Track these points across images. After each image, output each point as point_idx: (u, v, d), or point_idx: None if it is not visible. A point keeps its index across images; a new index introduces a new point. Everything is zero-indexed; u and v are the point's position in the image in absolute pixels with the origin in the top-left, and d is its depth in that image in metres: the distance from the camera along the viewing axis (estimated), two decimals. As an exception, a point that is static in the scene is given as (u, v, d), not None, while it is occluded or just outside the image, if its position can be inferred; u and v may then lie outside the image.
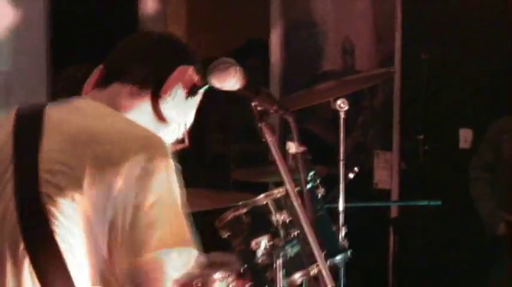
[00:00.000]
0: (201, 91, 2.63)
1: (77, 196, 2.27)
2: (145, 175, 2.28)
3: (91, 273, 2.31)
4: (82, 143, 2.36)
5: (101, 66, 2.62)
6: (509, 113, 6.53)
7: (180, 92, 2.58)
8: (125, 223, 2.25)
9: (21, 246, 2.26)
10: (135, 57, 2.62)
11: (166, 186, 2.31)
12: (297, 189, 2.92)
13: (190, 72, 2.57)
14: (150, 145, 2.36)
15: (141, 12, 7.52)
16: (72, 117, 2.47)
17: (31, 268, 2.25)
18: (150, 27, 7.49)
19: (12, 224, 2.30)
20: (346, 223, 4.37)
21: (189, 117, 2.66)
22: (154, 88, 2.54)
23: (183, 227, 2.32)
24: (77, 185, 2.27)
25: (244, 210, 3.99)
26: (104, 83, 2.55)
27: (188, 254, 2.35)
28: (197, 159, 6.69)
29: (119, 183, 2.26)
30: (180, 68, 2.53)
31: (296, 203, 2.84)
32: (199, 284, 3.93)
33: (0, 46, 6.10)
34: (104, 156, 2.31)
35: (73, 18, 6.29)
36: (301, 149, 3.57)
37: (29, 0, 6.28)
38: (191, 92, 2.61)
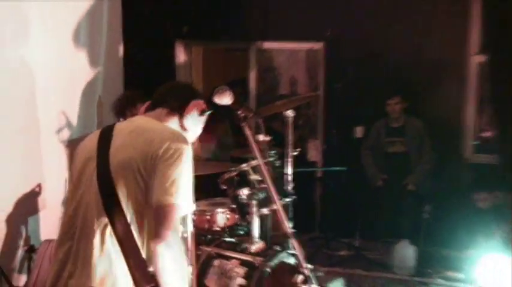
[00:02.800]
0: (206, 114, 2.76)
1: (133, 169, 2.39)
2: (175, 153, 2.40)
3: (139, 218, 2.40)
4: (135, 134, 2.50)
5: (148, 102, 2.76)
6: (383, 116, 6.69)
7: (194, 114, 2.72)
8: (161, 179, 2.36)
9: (105, 218, 2.37)
10: (169, 94, 2.74)
11: (186, 161, 2.43)
12: (265, 161, 3.30)
13: (200, 103, 2.74)
14: (178, 137, 2.50)
15: (177, 62, 7.52)
16: (132, 124, 2.63)
17: (111, 230, 2.37)
18: (181, 71, 7.56)
19: (97, 200, 2.41)
20: (293, 180, 4.36)
21: (199, 129, 2.80)
22: (180, 112, 2.70)
23: (188, 188, 2.43)
24: (133, 162, 2.40)
25: (235, 173, 4.06)
26: (151, 108, 2.71)
27: (187, 203, 2.43)
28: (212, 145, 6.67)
29: (159, 157, 2.39)
30: (194, 101, 2.72)
31: (263, 169, 2.94)
32: (208, 216, 4.22)
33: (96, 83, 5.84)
34: (149, 140, 2.44)
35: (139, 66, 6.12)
36: (267, 138, 3.95)
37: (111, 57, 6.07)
38: (201, 113, 2.74)
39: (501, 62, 6.08)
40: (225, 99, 2.78)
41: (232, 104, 2.79)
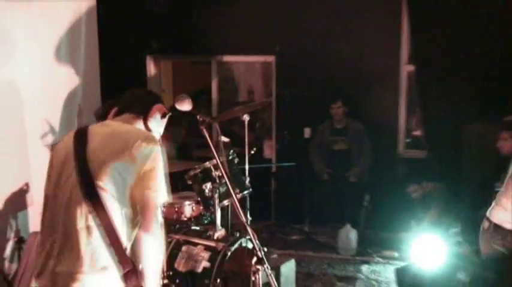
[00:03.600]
0: (167, 116, 2.74)
1: (112, 167, 2.39)
2: (149, 152, 2.42)
3: (119, 208, 2.40)
4: (112, 137, 2.50)
5: (116, 108, 2.74)
6: (328, 119, 6.72)
7: (157, 116, 2.70)
8: (139, 175, 2.39)
9: (87, 210, 2.36)
10: (134, 100, 2.71)
11: (159, 159, 2.46)
12: (223, 159, 3.30)
13: (162, 107, 2.71)
14: (150, 137, 2.52)
15: (148, 74, 7.50)
16: (105, 128, 2.58)
17: (94, 221, 2.36)
18: (152, 81, 7.58)
19: (79, 195, 2.38)
20: (249, 175, 4.39)
21: (162, 129, 2.77)
22: (144, 115, 2.67)
23: (163, 181, 2.46)
24: (111, 161, 2.40)
25: (199, 170, 4.07)
26: (119, 114, 2.68)
27: (164, 195, 2.47)
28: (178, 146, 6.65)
29: (135, 155, 2.40)
30: (156, 105, 2.70)
31: (221, 166, 3.03)
32: (177, 208, 4.20)
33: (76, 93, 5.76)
34: (125, 141, 2.45)
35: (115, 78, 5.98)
36: (226, 139, 3.97)
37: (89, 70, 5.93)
38: (162, 116, 2.72)
39: (426, 71, 6.20)
40: (185, 105, 2.79)
41: (192, 110, 2.81)
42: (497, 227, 3.39)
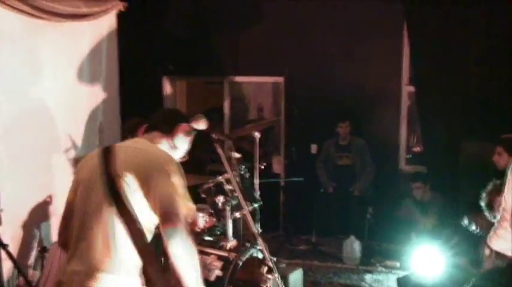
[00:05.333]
0: (192, 134, 2.75)
1: (136, 184, 2.40)
2: (168, 174, 2.44)
3: (142, 218, 2.42)
4: (138, 157, 2.51)
5: (146, 124, 2.78)
6: (333, 136, 6.69)
7: (181, 135, 2.71)
8: (161, 195, 2.39)
9: (113, 215, 2.38)
10: (161, 119, 2.75)
11: (179, 179, 2.46)
12: (235, 173, 3.30)
13: (186, 126, 2.73)
14: (170, 160, 2.52)
15: (164, 92, 7.54)
16: (133, 145, 2.61)
17: (119, 225, 2.38)
18: (167, 100, 7.60)
19: (106, 204, 2.40)
20: (259, 188, 4.33)
21: (187, 147, 2.76)
22: (170, 134, 2.69)
23: (186, 196, 2.52)
24: (136, 179, 2.41)
25: (212, 184, 4.00)
26: (147, 131, 2.70)
27: (187, 207, 2.53)
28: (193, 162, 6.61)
29: (156, 176, 2.42)
30: (181, 124, 2.71)
31: (233, 180, 3.09)
32: (190, 219, 4.19)
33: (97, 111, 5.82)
34: (149, 163, 2.47)
35: (133, 98, 6.03)
36: (238, 155, 3.95)
37: (109, 90, 5.99)
38: (187, 134, 2.73)
39: (426, 91, 6.20)
40: (201, 124, 2.82)
41: (207, 128, 2.84)
42: (498, 254, 3.30)
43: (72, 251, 2.47)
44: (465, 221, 4.30)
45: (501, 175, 4.27)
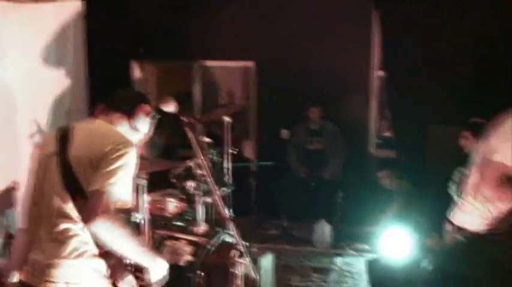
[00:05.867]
0: (153, 115, 2.68)
1: (89, 162, 2.35)
2: (118, 153, 2.35)
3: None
4: (93, 137, 2.46)
5: (103, 105, 2.66)
6: (304, 120, 6.70)
7: (142, 116, 2.63)
8: (100, 170, 2.32)
9: (69, 200, 2.35)
10: (121, 100, 2.66)
11: (127, 162, 2.37)
12: (205, 158, 3.30)
13: (147, 107, 2.65)
14: (125, 141, 2.43)
15: (134, 78, 7.43)
16: (89, 125, 2.55)
17: (74, 211, 2.35)
18: (137, 85, 7.49)
19: (61, 188, 2.37)
20: (231, 173, 4.40)
21: (147, 129, 2.69)
22: (130, 115, 2.61)
23: (128, 184, 2.40)
24: (89, 158, 2.35)
25: (182, 169, 4.07)
26: (105, 112, 2.60)
27: (126, 196, 2.40)
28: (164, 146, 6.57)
29: (106, 154, 2.34)
30: (142, 105, 2.63)
31: (204, 165, 3.00)
32: (161, 205, 4.15)
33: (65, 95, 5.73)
34: (102, 141, 2.39)
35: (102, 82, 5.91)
36: (209, 140, 3.93)
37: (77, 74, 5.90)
38: (148, 116, 2.66)
39: (395, 76, 6.25)
40: (170, 107, 2.78)
41: (176, 111, 2.79)
42: (459, 229, 3.32)
43: (32, 240, 2.44)
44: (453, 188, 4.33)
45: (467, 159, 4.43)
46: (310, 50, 6.80)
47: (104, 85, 5.97)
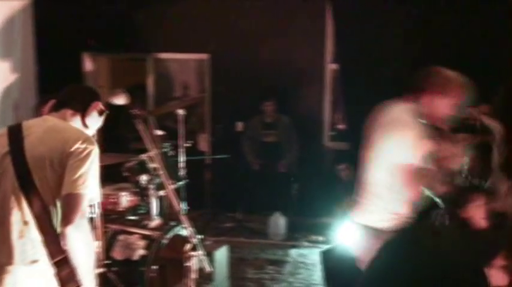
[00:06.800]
0: (104, 114, 2.66)
1: (49, 162, 2.31)
2: (85, 151, 2.34)
3: (53, 202, 2.32)
4: (51, 132, 2.41)
5: (53, 101, 2.62)
6: (259, 113, 6.71)
7: (94, 114, 2.61)
8: (73, 172, 2.29)
9: (23, 202, 2.30)
10: (72, 96, 2.59)
11: (94, 159, 2.37)
12: (157, 151, 3.26)
13: (100, 105, 2.62)
14: (89, 138, 2.42)
15: (84, 69, 7.27)
16: (43, 123, 2.48)
17: (28, 213, 2.30)
18: (88, 76, 7.35)
19: (15, 188, 2.31)
20: (185, 166, 4.36)
21: (98, 125, 2.67)
22: (83, 112, 2.57)
23: (96, 181, 2.39)
24: (49, 156, 2.32)
25: (135, 162, 4.02)
26: (56, 109, 2.56)
27: (96, 194, 2.41)
28: (115, 139, 6.48)
29: (73, 154, 2.32)
30: (94, 103, 2.60)
31: (157, 158, 3.06)
32: (113, 199, 4.05)
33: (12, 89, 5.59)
34: (64, 139, 2.36)
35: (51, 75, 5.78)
36: (161, 132, 3.89)
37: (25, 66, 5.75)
38: (100, 114, 2.64)
39: (349, 69, 6.30)
40: (120, 100, 2.78)
41: (127, 104, 2.79)
42: (367, 228, 3.30)
43: None
44: None
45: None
46: (264, 43, 6.82)
47: (53, 78, 5.93)
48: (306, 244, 5.93)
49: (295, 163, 6.68)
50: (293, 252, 5.74)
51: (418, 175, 2.94)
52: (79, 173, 2.29)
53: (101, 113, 2.63)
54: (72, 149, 2.32)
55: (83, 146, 2.34)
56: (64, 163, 2.31)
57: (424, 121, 3.02)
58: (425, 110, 3.05)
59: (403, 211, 3.15)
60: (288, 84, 6.83)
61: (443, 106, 3.02)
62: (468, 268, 1.09)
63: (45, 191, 2.31)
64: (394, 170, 3.01)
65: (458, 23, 5.78)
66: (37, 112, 3.90)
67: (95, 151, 2.38)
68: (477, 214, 3.21)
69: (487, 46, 5.68)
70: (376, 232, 3.19)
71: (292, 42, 6.75)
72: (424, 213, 3.26)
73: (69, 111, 2.54)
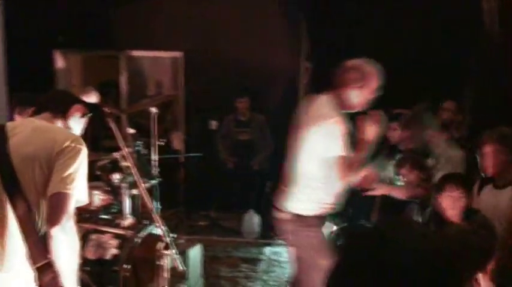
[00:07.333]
0: (87, 116, 2.67)
1: (36, 162, 2.29)
2: (73, 151, 2.32)
3: (36, 199, 2.29)
4: (38, 132, 2.39)
5: (33, 108, 2.62)
6: (233, 111, 6.70)
7: (76, 117, 2.61)
8: (61, 172, 2.27)
9: (7, 204, 2.27)
10: (52, 101, 2.61)
11: (82, 159, 2.35)
12: (130, 150, 3.26)
13: (81, 107, 2.63)
14: (77, 138, 2.40)
15: (57, 68, 7.17)
16: (28, 124, 2.48)
17: (12, 214, 2.26)
18: (60, 74, 7.23)
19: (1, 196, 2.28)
20: (158, 165, 4.28)
21: (81, 127, 2.67)
22: (64, 115, 2.57)
23: (84, 182, 2.38)
24: (37, 156, 2.29)
25: (107, 161, 3.98)
26: (36, 113, 2.56)
27: (84, 194, 2.40)
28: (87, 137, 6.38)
29: (62, 154, 2.29)
30: (75, 106, 2.61)
31: (129, 157, 3.05)
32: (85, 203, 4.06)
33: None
34: (53, 139, 2.34)
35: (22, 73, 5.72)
36: (133, 131, 3.86)
37: None
38: (82, 116, 2.64)
39: (323, 67, 6.34)
40: (91, 97, 2.75)
41: (98, 101, 2.78)
42: (299, 216, 3.33)
43: None
44: (391, 171, 4.45)
45: (392, 149, 4.61)
46: (239, 41, 6.80)
47: (24, 75, 5.86)
48: (280, 241, 5.85)
49: (268, 160, 6.66)
50: (267, 250, 5.74)
51: (349, 164, 3.12)
52: (67, 172, 2.27)
53: (82, 115, 2.63)
54: (61, 148, 2.30)
55: (72, 145, 2.32)
56: (52, 162, 2.28)
57: (345, 111, 3.25)
58: (346, 102, 3.26)
59: (331, 199, 3.31)
60: (262, 83, 6.81)
61: (362, 97, 3.26)
62: (437, 264, 1.09)
63: (31, 192, 2.27)
64: (323, 161, 3.15)
65: (426, 23, 5.89)
66: (11, 111, 3.89)
67: (84, 151, 2.37)
68: (448, 205, 3.30)
69: (454, 46, 5.80)
70: (305, 219, 3.29)
71: (267, 41, 6.73)
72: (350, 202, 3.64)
73: (49, 115, 2.54)
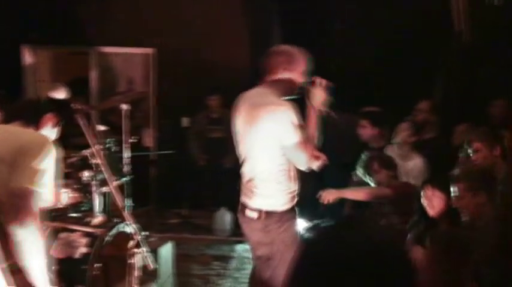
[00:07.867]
0: (59, 125, 2.68)
1: (6, 162, 2.28)
2: (40, 150, 2.33)
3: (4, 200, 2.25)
4: (8, 134, 2.41)
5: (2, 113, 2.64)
6: (205, 109, 6.70)
7: (48, 126, 2.62)
8: (28, 170, 2.27)
9: None
10: (23, 110, 2.63)
11: (49, 159, 2.36)
12: (99, 147, 3.22)
13: (54, 117, 2.64)
14: (44, 138, 2.43)
15: (22, 63, 7.04)
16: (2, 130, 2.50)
17: None
18: (28, 70, 7.12)
19: None
20: (130, 163, 4.25)
21: (55, 134, 2.69)
22: (36, 124, 2.57)
23: (51, 181, 2.40)
24: (4, 157, 2.29)
25: (76, 158, 3.88)
26: (7, 121, 2.57)
27: (50, 193, 2.42)
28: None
29: (27, 152, 2.30)
30: (48, 115, 2.61)
31: (98, 154, 3.05)
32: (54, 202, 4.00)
33: None
34: (22, 139, 2.36)
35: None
36: (103, 127, 3.81)
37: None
38: (56, 125, 2.65)
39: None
40: (59, 94, 2.72)
41: (67, 98, 2.75)
42: (268, 213, 3.25)
43: None
44: (360, 171, 4.46)
45: (364, 146, 4.63)
46: (210, 37, 6.80)
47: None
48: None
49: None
50: (239, 247, 5.72)
51: (307, 140, 3.09)
52: (33, 169, 2.27)
53: (55, 125, 2.64)
54: (30, 148, 2.31)
55: (41, 146, 2.33)
56: (20, 162, 2.28)
57: (284, 97, 3.17)
58: (281, 87, 3.19)
59: (295, 187, 3.24)
60: (234, 80, 6.64)
61: (294, 78, 3.19)
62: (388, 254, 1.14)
63: (0, 192, 2.24)
64: (281, 151, 3.09)
65: (401, 21, 5.96)
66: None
67: (52, 150, 2.37)
68: (428, 203, 3.35)
69: (425, 44, 5.88)
70: (275, 215, 3.22)
71: (238, 37, 6.76)
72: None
73: (22, 123, 2.53)
